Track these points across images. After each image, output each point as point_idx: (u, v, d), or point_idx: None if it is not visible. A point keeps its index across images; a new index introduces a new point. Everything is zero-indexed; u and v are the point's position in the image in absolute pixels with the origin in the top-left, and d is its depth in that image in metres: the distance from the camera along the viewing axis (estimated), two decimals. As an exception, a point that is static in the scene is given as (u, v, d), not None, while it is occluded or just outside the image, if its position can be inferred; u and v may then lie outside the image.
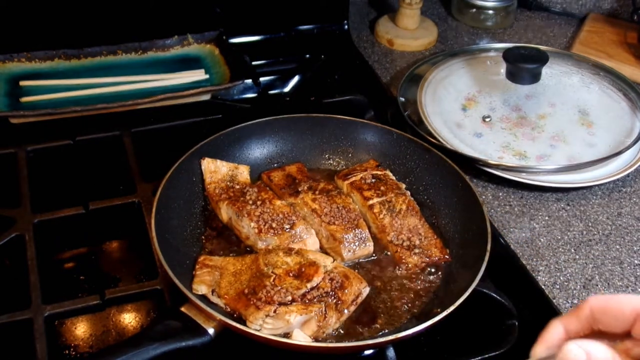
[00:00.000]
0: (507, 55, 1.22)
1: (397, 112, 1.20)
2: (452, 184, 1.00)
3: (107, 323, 0.86)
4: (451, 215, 0.99)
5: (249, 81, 1.26)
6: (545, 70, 1.23)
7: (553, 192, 1.10)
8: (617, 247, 1.01)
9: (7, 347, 0.82)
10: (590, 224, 1.05)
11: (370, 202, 0.98)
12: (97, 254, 0.96)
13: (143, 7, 1.26)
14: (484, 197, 1.08)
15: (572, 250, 1.00)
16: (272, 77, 1.33)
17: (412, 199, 1.00)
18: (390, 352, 0.81)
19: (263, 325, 0.79)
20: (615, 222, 1.05)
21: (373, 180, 1.02)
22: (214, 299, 0.84)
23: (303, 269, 0.86)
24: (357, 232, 0.94)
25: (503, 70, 1.26)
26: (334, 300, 0.83)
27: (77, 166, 1.09)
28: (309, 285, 0.84)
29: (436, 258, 0.92)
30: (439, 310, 0.80)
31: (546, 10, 1.60)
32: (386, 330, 0.83)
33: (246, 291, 0.83)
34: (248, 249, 0.94)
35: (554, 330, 0.57)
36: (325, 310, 0.81)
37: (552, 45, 1.46)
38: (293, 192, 0.99)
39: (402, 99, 1.23)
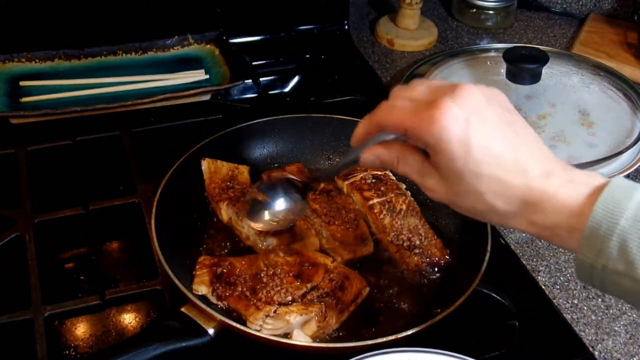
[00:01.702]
0: (507, 55, 1.21)
1: (397, 112, 1.19)
2: (452, 184, 0.99)
3: (107, 323, 0.86)
4: (451, 215, 0.98)
5: (249, 81, 1.26)
6: (546, 71, 1.23)
7: (553, 192, 1.09)
8: (617, 247, 1.00)
9: (7, 347, 0.82)
10: (590, 224, 1.04)
11: (371, 202, 0.98)
12: (97, 254, 0.96)
13: (143, 7, 1.26)
14: (484, 197, 1.08)
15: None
16: (272, 77, 1.33)
17: (412, 199, 1.00)
18: None
19: (263, 326, 0.79)
20: (615, 222, 1.05)
21: (373, 180, 1.02)
22: (214, 299, 0.84)
23: (303, 269, 0.86)
24: (357, 232, 0.94)
25: (503, 71, 1.26)
26: (334, 301, 0.83)
27: (77, 166, 1.09)
28: (309, 286, 0.84)
29: (436, 258, 0.92)
30: (439, 310, 0.80)
31: (546, 10, 1.59)
32: (386, 330, 0.83)
33: (246, 292, 0.83)
34: (248, 249, 0.94)
35: (358, 130, 0.72)
36: (325, 311, 0.81)
37: (552, 46, 1.46)
38: (293, 192, 0.99)
39: (402, 99, 1.22)
